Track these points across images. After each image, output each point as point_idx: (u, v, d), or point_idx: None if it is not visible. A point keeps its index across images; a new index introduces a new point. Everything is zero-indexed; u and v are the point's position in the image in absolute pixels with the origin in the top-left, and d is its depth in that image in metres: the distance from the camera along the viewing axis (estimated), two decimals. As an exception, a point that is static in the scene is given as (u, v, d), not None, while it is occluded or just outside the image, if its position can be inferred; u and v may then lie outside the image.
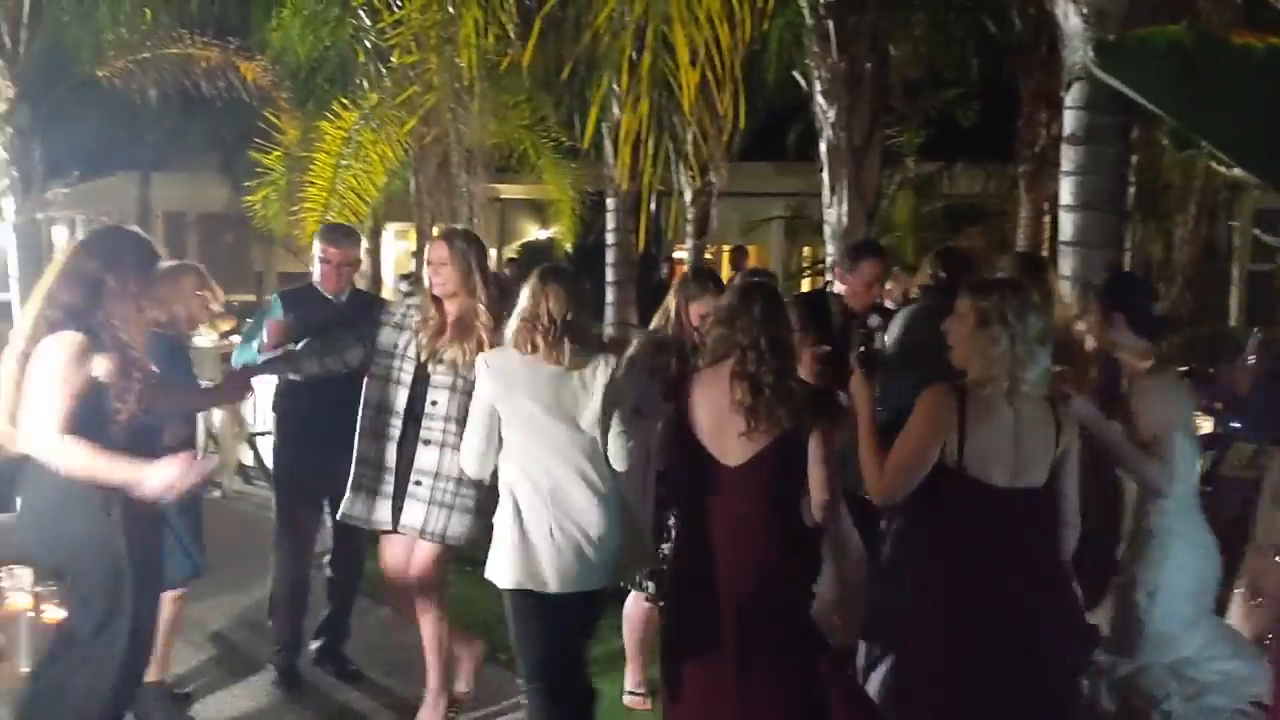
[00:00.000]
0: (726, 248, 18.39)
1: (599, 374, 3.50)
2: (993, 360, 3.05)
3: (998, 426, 3.04)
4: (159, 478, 3.19)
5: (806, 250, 19.97)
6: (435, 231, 4.59)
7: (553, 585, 3.48)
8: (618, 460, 3.55)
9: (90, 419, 3.17)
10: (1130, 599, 3.61)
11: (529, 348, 3.48)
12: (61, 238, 21.95)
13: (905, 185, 15.13)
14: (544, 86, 11.27)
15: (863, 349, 3.47)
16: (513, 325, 3.54)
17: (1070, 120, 5.06)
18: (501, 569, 3.53)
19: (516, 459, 3.54)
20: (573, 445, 3.49)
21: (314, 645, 4.91)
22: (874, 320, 4.77)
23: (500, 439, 3.56)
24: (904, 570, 3.40)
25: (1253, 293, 15.16)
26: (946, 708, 3.13)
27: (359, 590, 5.00)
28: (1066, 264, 5.05)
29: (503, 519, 3.55)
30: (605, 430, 3.52)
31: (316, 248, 4.83)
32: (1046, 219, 12.64)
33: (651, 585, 4.27)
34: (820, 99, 7.97)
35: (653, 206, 10.99)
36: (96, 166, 17.91)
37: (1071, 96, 5.05)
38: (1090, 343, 3.82)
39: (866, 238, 7.27)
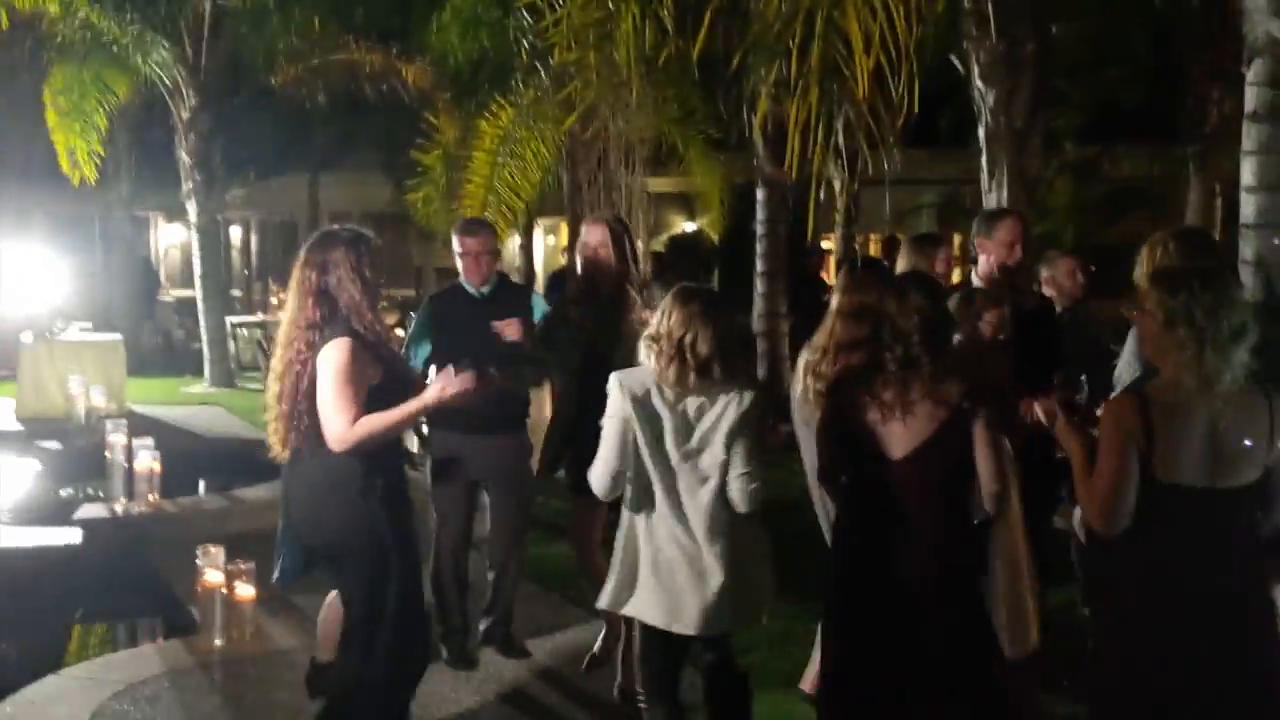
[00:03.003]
0: (875, 237, 18.10)
1: (731, 409, 3.37)
2: (1182, 364, 2.86)
3: (1190, 428, 2.86)
4: (447, 387, 3.50)
5: (958, 238, 19.52)
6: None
7: (651, 619, 3.46)
8: (740, 502, 3.39)
9: (372, 405, 3.49)
10: None
11: (659, 371, 3.39)
12: (236, 236, 23.19)
13: (1064, 170, 14.62)
14: (694, 80, 11.33)
15: (1068, 399, 3.33)
16: (644, 344, 3.45)
17: (1252, 97, 4.82)
18: (607, 591, 3.53)
19: (633, 483, 3.47)
20: (691, 479, 3.39)
21: (482, 625, 5.08)
22: (1027, 298, 4.59)
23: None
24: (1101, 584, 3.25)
25: None
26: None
27: (520, 573, 5.12)
28: (1248, 248, 4.81)
29: (618, 542, 3.53)
30: (726, 468, 3.38)
31: (454, 243, 4.90)
32: (1218, 201, 12.08)
33: None
34: (979, 82, 7.78)
35: (792, 197, 11.07)
36: (269, 169, 18.84)
37: (1253, 72, 4.80)
38: None
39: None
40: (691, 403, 3.39)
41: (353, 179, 19.15)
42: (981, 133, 7.90)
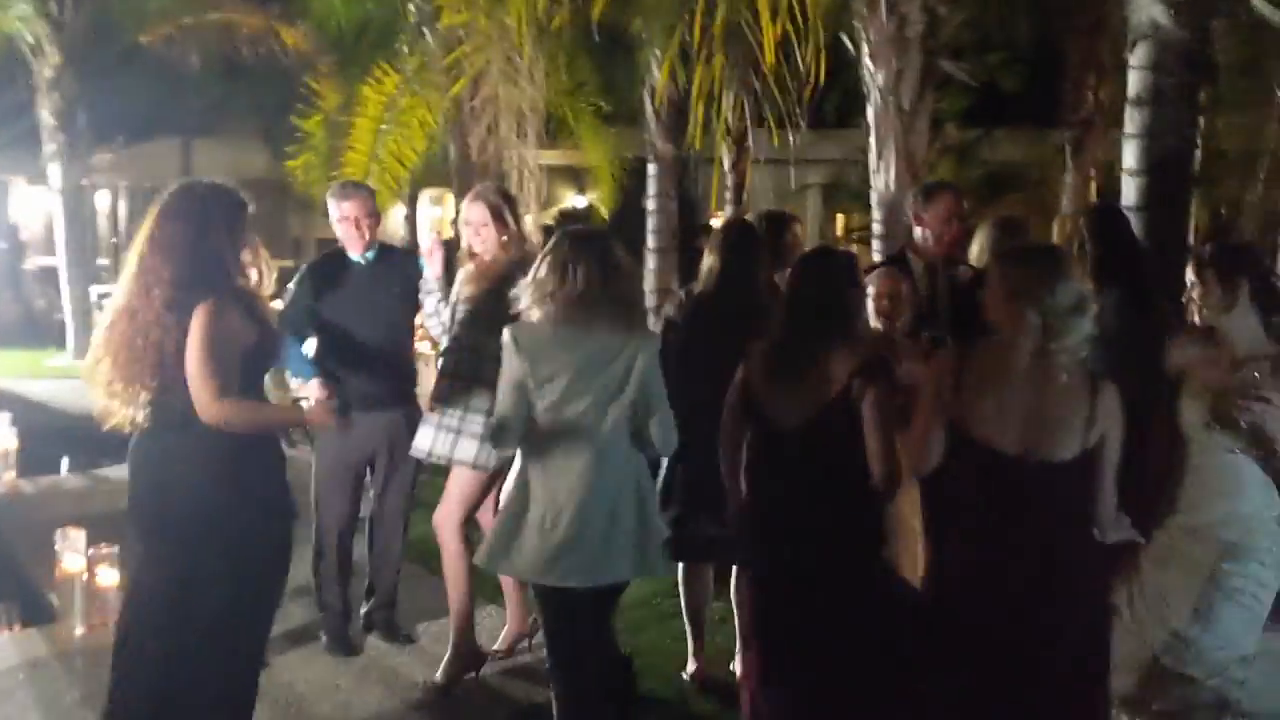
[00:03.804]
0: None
1: (632, 354, 3.31)
2: (1019, 333, 2.97)
3: (1007, 394, 2.96)
4: (321, 415, 3.54)
5: (841, 218, 19.81)
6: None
7: (534, 576, 3.41)
8: (663, 446, 3.37)
9: (245, 377, 3.25)
10: None
11: (552, 315, 3.31)
12: (104, 204, 22.17)
13: (947, 152, 14.91)
14: (585, 50, 11.19)
15: (931, 337, 3.36)
16: (538, 292, 3.35)
17: (1135, 82, 4.94)
18: (483, 550, 3.47)
19: (528, 435, 3.38)
20: (586, 425, 3.31)
21: (364, 610, 4.92)
22: (962, 270, 4.60)
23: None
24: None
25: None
26: (952, 686, 3.04)
27: (404, 555, 4.99)
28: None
29: (507, 498, 3.44)
30: (646, 414, 3.32)
31: (332, 209, 4.67)
32: (1093, 185, 12.45)
33: None
34: (868, 62, 7.81)
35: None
36: (140, 133, 18.04)
37: (1136, 57, 4.92)
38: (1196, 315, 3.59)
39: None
40: (588, 345, 3.30)
41: (228, 145, 18.43)
42: (870, 113, 7.94)
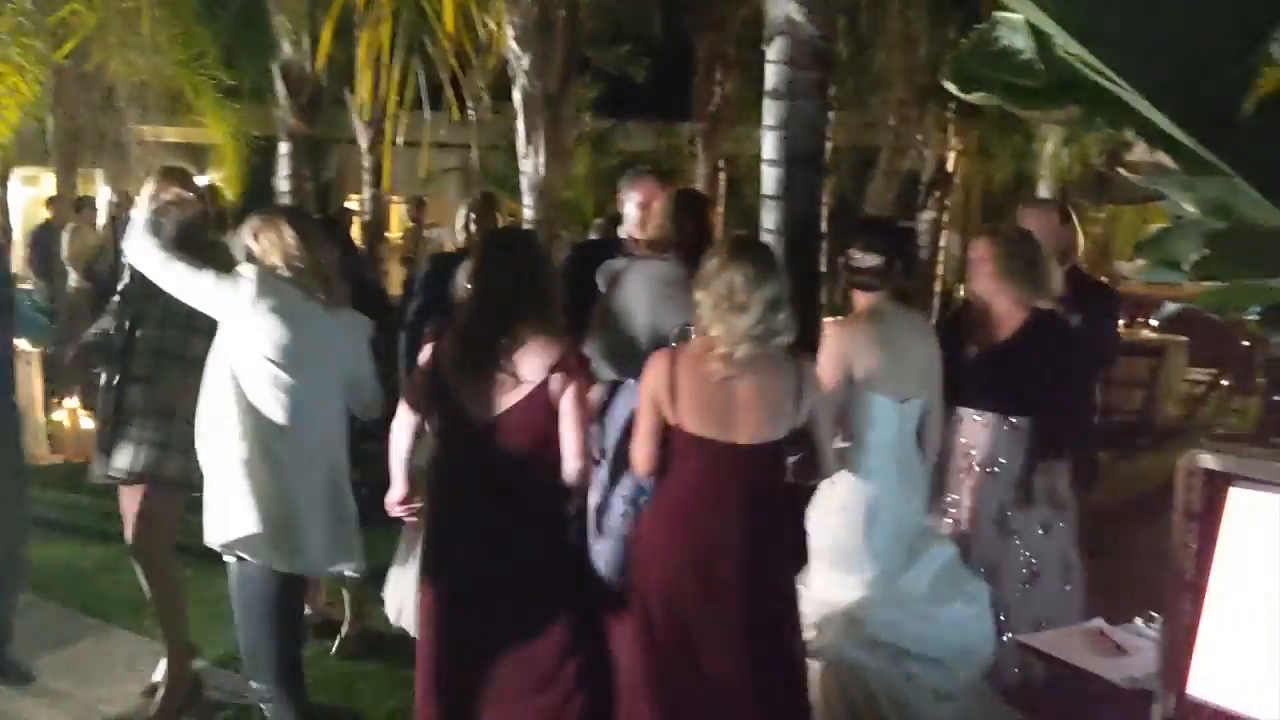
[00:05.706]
0: (396, 199, 17.81)
1: (351, 333, 3.38)
2: (701, 324, 3.10)
3: (705, 384, 3.03)
4: None
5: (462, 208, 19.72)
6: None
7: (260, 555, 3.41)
8: (364, 411, 3.58)
9: None
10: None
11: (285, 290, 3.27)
12: None
13: (583, 140, 15.23)
14: (205, 19, 10.39)
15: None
16: (271, 261, 3.33)
17: (771, 75, 5.15)
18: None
19: (237, 408, 3.28)
20: (286, 400, 3.28)
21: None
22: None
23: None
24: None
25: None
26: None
27: (22, 586, 4.44)
28: (769, 218, 5.16)
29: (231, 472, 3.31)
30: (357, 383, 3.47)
31: None
32: (722, 176, 13.17)
33: None
34: (514, 45, 7.78)
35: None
36: None
37: (773, 52, 5.13)
38: None
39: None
40: (310, 322, 3.28)
41: None
42: (518, 97, 7.92)
